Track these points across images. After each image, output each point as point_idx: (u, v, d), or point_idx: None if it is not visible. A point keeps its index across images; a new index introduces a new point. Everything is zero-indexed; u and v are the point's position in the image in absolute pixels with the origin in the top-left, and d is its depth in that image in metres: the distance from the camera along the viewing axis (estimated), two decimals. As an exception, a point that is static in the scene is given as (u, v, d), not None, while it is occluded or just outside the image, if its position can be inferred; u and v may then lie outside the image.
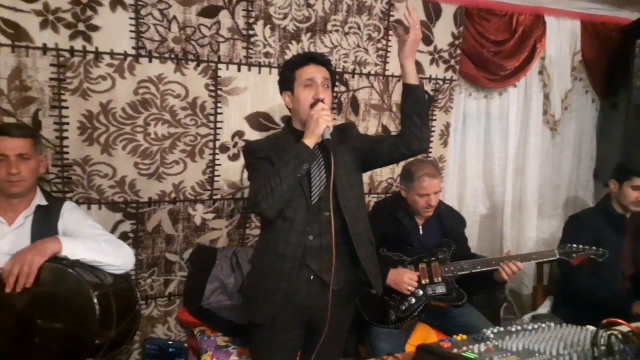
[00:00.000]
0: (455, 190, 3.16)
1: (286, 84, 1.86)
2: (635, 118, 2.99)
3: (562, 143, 3.40)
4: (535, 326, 1.71)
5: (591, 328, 1.80)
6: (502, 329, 1.69)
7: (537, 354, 1.41)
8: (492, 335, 1.62)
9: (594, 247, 2.32)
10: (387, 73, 2.75)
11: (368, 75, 2.70)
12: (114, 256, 1.75)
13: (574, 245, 2.33)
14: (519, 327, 1.69)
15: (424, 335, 2.50)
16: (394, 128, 2.84)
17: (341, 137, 1.88)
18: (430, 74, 2.86)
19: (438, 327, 2.52)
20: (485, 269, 2.34)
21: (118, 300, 1.68)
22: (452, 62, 2.88)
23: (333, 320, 1.76)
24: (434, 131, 2.96)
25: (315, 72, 1.81)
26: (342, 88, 2.67)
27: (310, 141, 1.70)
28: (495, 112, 3.15)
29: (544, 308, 2.75)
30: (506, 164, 3.20)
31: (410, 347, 2.36)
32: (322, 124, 1.68)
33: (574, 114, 3.38)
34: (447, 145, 3.02)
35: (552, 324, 1.73)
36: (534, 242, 3.26)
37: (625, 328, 1.32)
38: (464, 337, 1.62)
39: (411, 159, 2.79)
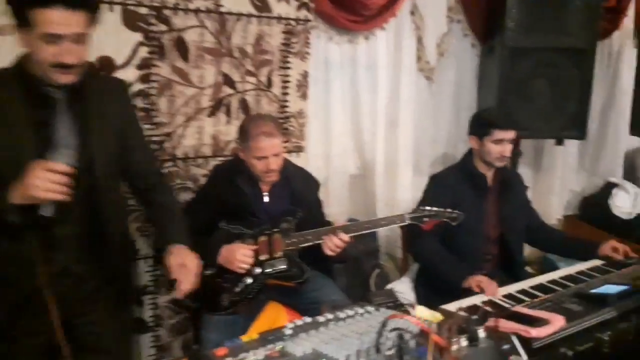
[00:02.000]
0: (321, 149, 2.81)
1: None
2: (510, 62, 2.74)
3: (439, 93, 3.12)
4: (351, 312, 1.42)
5: (423, 313, 1.55)
6: (309, 320, 1.39)
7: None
8: (290, 332, 1.30)
9: (448, 210, 2.05)
10: (222, 10, 2.28)
11: (196, 11, 2.22)
12: None
13: (427, 208, 2.05)
14: (331, 317, 1.39)
15: (273, 316, 2.16)
16: (238, 77, 2.41)
17: None
18: (279, 12, 2.43)
19: (291, 306, 2.21)
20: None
21: None
22: (305, -2, 2.47)
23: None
24: (289, 81, 2.56)
25: (60, 21, 1.33)
26: (163, 27, 2.18)
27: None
28: (362, 60, 2.79)
29: (409, 275, 2.51)
30: (377, 117, 2.88)
31: (252, 333, 2.04)
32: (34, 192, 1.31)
33: (451, 61, 3.09)
34: (307, 97, 2.63)
35: (372, 309, 1.44)
36: (408, 203, 2.99)
37: (414, 326, 1.02)
38: (256, 336, 1.30)
39: (251, 115, 2.41)
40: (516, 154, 2.99)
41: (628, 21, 3.60)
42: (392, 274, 3.01)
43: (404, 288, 2.46)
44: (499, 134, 2.18)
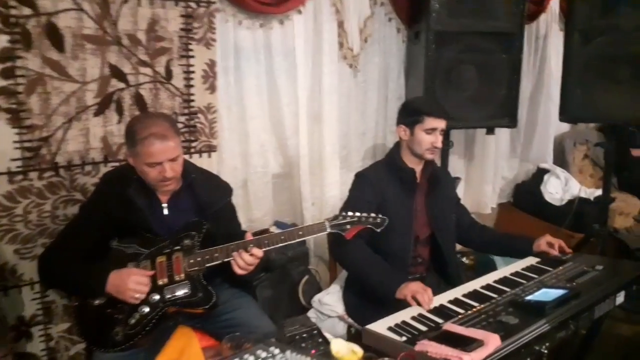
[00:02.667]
0: (237, 147, 2.52)
1: None
2: (435, 47, 2.55)
3: (365, 82, 2.89)
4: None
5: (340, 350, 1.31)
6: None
7: None
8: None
9: (372, 215, 1.83)
10: (102, -12, 1.93)
11: (68, -9, 1.86)
12: None
13: (349, 214, 1.81)
14: None
15: (182, 343, 1.87)
16: (129, 69, 2.07)
17: None
18: (176, -7, 2.10)
19: (204, 330, 1.92)
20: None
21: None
22: (206, -24, 2.15)
23: None
24: (193, 72, 2.24)
25: None
26: (26, 10, 1.80)
27: None
28: (277, 47, 2.51)
29: (338, 283, 2.28)
30: (298, 110, 2.61)
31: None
32: None
33: (376, 47, 2.87)
34: (216, 90, 2.33)
35: (276, 353, 1.19)
36: (337, 201, 2.76)
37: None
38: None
39: (138, 114, 2.08)
40: (447, 144, 2.83)
41: (554, 4, 3.54)
42: (325, 277, 2.78)
43: (332, 299, 2.24)
44: (431, 122, 1.99)
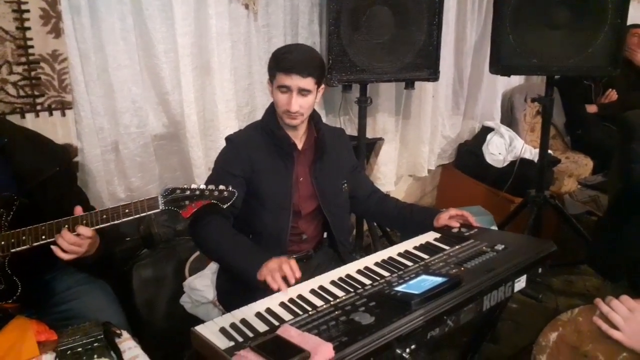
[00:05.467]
0: (100, 103, 2.12)
1: None
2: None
3: (268, 26, 2.48)
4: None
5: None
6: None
7: None
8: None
9: (218, 188, 1.47)
10: None
11: None
12: None
13: (188, 187, 1.46)
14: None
15: (14, 336, 1.55)
16: None
17: None
18: None
19: (41, 319, 1.60)
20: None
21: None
22: None
23: None
24: (27, 11, 1.82)
25: None
26: None
27: None
28: (145, -20, 2.08)
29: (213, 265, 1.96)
30: (178, 59, 2.20)
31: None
32: None
33: (280, -16, 2.45)
34: (62, 34, 1.91)
35: None
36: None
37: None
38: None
39: None
40: (363, 101, 2.46)
41: None
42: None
43: (202, 283, 1.93)
44: (282, 79, 1.57)
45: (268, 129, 1.72)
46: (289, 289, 1.40)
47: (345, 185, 1.85)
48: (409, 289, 1.34)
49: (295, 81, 1.56)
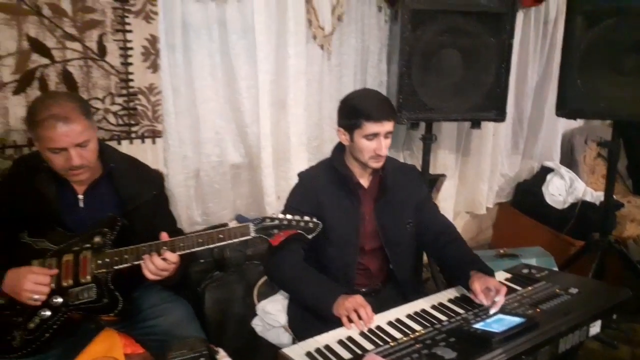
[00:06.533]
0: (187, 134, 2.29)
1: None
2: (413, 28, 2.24)
3: (339, 66, 2.62)
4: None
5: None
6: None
7: None
8: None
9: (305, 218, 1.57)
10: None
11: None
12: None
13: (278, 216, 1.57)
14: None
15: (104, 348, 1.69)
16: (54, 43, 1.86)
17: None
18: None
19: (128, 334, 1.73)
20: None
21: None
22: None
23: None
24: (131, 49, 2.02)
25: None
26: None
27: None
28: (234, 23, 2.26)
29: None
30: (258, 95, 2.36)
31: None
32: None
33: (353, 27, 2.58)
34: (159, 69, 2.10)
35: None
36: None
37: None
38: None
39: (41, 94, 1.86)
40: (429, 139, 2.54)
41: (564, -15, 3.16)
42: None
43: (275, 308, 2.01)
44: (371, 127, 1.64)
45: (336, 168, 1.79)
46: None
47: (410, 224, 1.87)
48: (488, 327, 1.38)
49: (386, 127, 1.65)
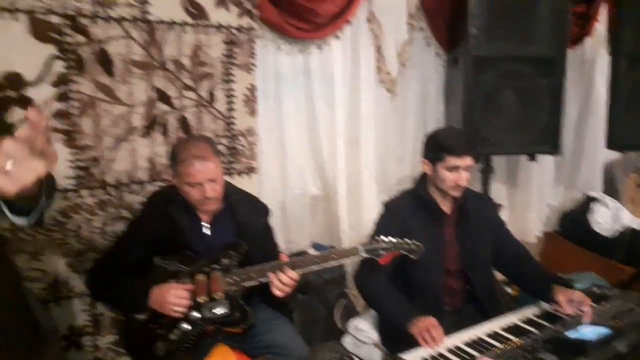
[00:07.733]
0: (276, 169, 2.57)
1: None
2: (474, 73, 2.52)
3: (402, 107, 2.90)
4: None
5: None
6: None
7: None
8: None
9: (407, 241, 1.80)
10: (149, 18, 2.03)
11: (120, 20, 1.97)
12: None
13: (385, 239, 1.80)
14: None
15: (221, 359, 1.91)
16: (174, 93, 2.16)
17: None
18: (218, 20, 2.19)
19: (241, 349, 1.94)
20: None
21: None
22: (248, 4, 2.22)
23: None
24: (234, 96, 2.31)
25: None
26: (80, 38, 1.92)
27: None
28: (316, 72, 2.57)
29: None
30: (335, 134, 2.64)
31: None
32: None
33: (414, 72, 2.88)
34: (256, 113, 2.39)
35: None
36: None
37: None
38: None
39: (181, 137, 2.15)
40: (487, 171, 2.77)
41: (601, 27, 3.44)
42: (362, 301, 2.74)
43: (367, 325, 2.21)
44: (453, 161, 1.88)
45: (419, 197, 2.02)
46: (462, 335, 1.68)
47: (488, 247, 2.07)
48: (580, 335, 1.57)
49: (466, 161, 1.88)
